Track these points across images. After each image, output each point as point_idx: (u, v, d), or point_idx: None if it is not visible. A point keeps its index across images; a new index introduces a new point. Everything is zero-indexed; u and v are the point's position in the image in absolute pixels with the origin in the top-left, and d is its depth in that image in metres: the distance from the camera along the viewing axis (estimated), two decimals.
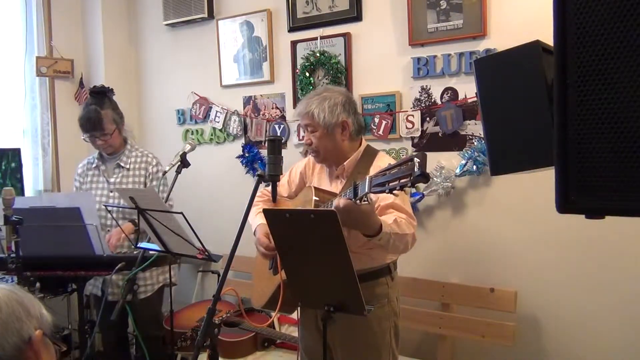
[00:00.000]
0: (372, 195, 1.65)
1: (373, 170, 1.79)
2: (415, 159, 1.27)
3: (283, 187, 2.15)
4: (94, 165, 2.78)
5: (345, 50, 2.96)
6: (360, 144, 2.00)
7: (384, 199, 1.79)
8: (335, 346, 1.94)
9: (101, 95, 2.71)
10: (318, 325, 1.97)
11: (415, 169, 1.26)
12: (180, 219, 1.98)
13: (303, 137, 3.14)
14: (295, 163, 2.21)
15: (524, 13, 2.43)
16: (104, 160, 2.78)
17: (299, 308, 2.00)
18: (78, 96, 3.83)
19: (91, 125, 2.62)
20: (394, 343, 1.96)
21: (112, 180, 2.71)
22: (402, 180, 1.29)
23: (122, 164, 2.73)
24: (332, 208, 1.57)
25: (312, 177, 2.09)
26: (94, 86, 2.79)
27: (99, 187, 2.74)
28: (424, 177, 1.25)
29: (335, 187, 1.95)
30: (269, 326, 2.65)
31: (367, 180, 1.46)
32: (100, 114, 2.61)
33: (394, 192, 1.33)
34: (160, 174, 2.72)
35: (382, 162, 1.87)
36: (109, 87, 2.78)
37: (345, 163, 1.94)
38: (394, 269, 1.99)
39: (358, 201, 1.51)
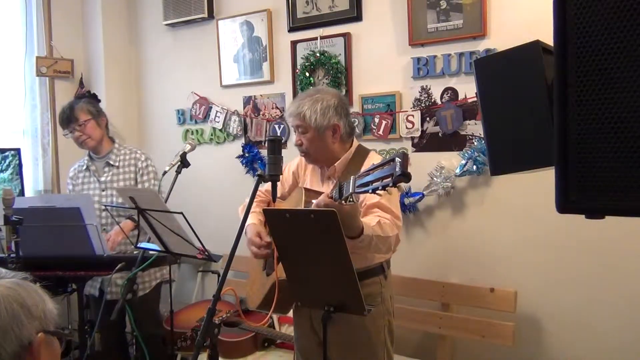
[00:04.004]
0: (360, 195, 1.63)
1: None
2: (397, 158, 1.26)
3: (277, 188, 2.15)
4: (84, 167, 2.81)
5: (345, 50, 2.96)
6: (352, 145, 1.99)
7: (370, 198, 1.79)
8: (330, 345, 1.94)
9: (79, 97, 2.88)
10: (312, 325, 1.97)
11: (397, 169, 1.24)
12: (180, 218, 1.98)
13: None
14: (288, 163, 2.20)
15: (524, 13, 2.43)
16: (94, 161, 2.82)
17: (293, 308, 1.99)
18: (78, 96, 3.83)
19: (65, 117, 2.70)
20: (389, 341, 1.96)
21: (102, 179, 2.74)
22: (385, 180, 1.28)
23: (111, 162, 2.76)
24: (313, 207, 1.57)
25: (304, 177, 2.09)
26: (77, 93, 2.98)
27: (90, 187, 2.77)
28: (405, 176, 1.24)
29: (327, 187, 1.94)
30: (269, 326, 2.66)
31: (351, 181, 1.45)
32: (72, 106, 2.71)
33: (377, 192, 1.32)
34: (150, 168, 2.78)
35: (373, 161, 1.86)
36: (93, 93, 2.95)
37: (336, 164, 1.94)
38: (387, 268, 1.98)
39: (343, 201, 1.49)
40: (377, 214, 1.76)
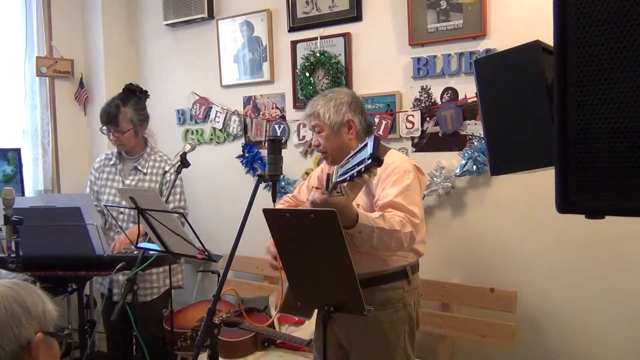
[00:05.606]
0: (377, 187, 1.58)
1: (382, 169, 1.75)
2: (369, 142, 1.25)
3: (303, 193, 2.17)
4: (111, 162, 2.75)
5: (345, 50, 2.96)
6: None
7: (383, 197, 1.79)
8: (349, 348, 1.94)
9: (130, 93, 2.70)
10: (332, 327, 1.97)
11: (367, 154, 1.23)
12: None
13: (303, 137, 3.16)
14: (316, 169, 2.22)
15: (524, 13, 2.43)
16: (122, 159, 2.76)
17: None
18: (78, 96, 3.83)
19: (107, 118, 2.62)
20: (410, 348, 1.92)
21: (127, 182, 2.69)
22: (359, 167, 1.28)
23: (139, 168, 2.70)
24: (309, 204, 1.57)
25: None
26: (130, 84, 2.77)
27: (114, 185, 2.71)
28: (375, 160, 1.22)
29: None
30: (269, 326, 2.66)
31: (335, 170, 1.45)
32: (119, 110, 2.61)
33: (355, 179, 1.32)
34: (178, 189, 2.70)
35: (391, 159, 1.84)
36: (142, 88, 2.77)
37: None
38: (411, 273, 1.94)
39: (334, 191, 1.49)
40: (391, 213, 1.72)
